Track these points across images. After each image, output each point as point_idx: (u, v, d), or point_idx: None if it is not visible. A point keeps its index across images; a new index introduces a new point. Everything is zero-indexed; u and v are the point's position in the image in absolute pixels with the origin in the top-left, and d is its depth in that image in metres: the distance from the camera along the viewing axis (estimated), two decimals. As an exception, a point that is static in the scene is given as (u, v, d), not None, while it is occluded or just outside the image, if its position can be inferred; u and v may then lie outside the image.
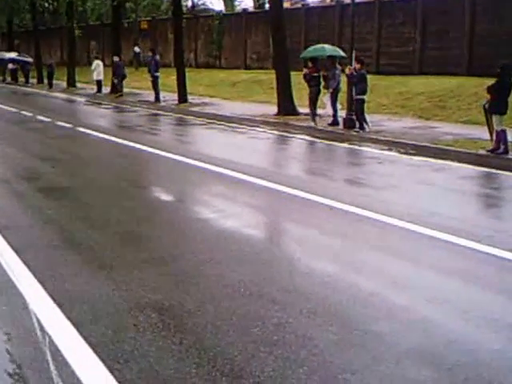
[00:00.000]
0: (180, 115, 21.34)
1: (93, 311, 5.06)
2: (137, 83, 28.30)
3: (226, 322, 4.79)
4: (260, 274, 5.84)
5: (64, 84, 34.30)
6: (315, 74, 17.15)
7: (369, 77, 16.43)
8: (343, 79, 16.89)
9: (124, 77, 27.61)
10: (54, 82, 34.81)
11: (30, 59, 39.88)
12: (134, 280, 5.69)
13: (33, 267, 6.04)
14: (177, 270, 5.95)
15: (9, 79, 42.29)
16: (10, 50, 44.93)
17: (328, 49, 17.88)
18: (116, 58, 28.17)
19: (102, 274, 5.90)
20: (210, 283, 5.63)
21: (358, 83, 15.87)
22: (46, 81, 36.97)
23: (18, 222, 7.90)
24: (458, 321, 4.93)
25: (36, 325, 4.80)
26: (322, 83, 17.16)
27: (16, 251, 6.54)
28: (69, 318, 4.90)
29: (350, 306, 5.09)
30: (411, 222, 7.46)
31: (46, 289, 5.50)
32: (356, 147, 14.36)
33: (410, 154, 13.08)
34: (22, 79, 40.04)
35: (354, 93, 16.04)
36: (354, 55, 16.34)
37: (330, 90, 16.97)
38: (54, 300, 5.25)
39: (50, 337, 4.60)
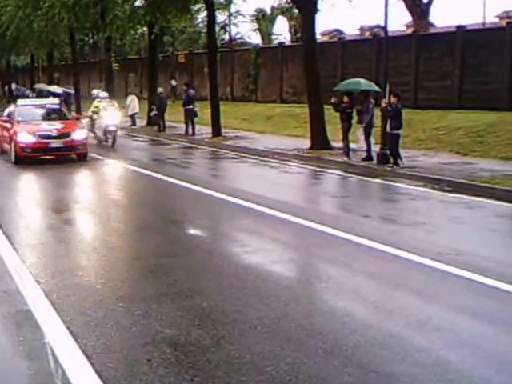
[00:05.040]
0: (213, 149, 21.41)
1: (108, 344, 5.05)
2: (173, 116, 28.49)
3: (239, 360, 4.72)
4: (279, 311, 5.75)
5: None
6: (349, 110, 17.10)
7: (405, 111, 16.22)
8: (377, 113, 16.77)
9: (163, 111, 27.19)
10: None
11: (72, 91, 40.63)
12: (152, 314, 5.67)
13: (52, 299, 6.07)
14: (195, 306, 5.90)
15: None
16: (50, 82, 45.85)
17: (363, 83, 17.75)
18: (160, 90, 28.17)
19: (122, 307, 5.90)
20: (227, 319, 5.57)
21: (394, 118, 15.62)
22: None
23: (45, 252, 7.97)
24: (478, 365, 4.76)
25: (50, 357, 4.80)
26: (355, 118, 17.07)
27: (37, 281, 6.59)
28: (83, 351, 4.90)
29: (367, 347, 4.96)
30: (438, 261, 7.30)
31: (63, 321, 5.51)
32: (389, 183, 14.14)
33: (445, 191, 12.74)
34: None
35: (388, 127, 15.87)
36: (387, 89, 16.24)
37: (364, 125, 16.87)
38: (71, 332, 5.26)
39: (63, 369, 4.59)
